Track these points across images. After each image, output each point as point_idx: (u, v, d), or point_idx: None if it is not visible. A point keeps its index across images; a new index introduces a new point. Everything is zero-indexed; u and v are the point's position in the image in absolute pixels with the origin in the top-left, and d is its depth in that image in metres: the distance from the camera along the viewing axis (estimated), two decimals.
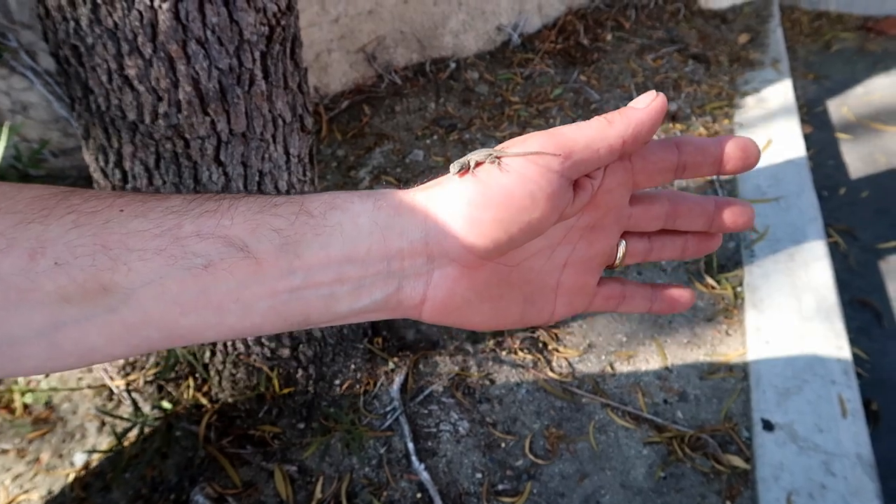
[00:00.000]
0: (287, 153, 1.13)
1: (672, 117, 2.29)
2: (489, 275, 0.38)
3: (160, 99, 0.96)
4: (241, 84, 0.99)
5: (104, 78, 0.95)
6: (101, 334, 0.33)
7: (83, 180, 1.92)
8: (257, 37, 0.97)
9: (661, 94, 0.37)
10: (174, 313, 0.33)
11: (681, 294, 0.45)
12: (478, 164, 0.35)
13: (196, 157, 1.03)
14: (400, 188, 0.37)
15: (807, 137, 2.38)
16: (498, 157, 0.35)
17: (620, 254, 0.43)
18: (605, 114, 0.37)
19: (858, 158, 2.37)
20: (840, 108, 2.65)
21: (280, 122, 1.08)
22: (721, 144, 0.39)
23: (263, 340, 1.29)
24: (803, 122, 2.47)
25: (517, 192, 0.34)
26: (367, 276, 0.35)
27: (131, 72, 0.93)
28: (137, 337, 0.34)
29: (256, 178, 1.10)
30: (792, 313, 1.57)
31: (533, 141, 0.36)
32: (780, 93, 2.46)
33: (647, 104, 0.36)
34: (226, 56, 0.96)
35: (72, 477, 1.27)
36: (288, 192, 1.17)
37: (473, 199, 0.34)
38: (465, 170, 0.35)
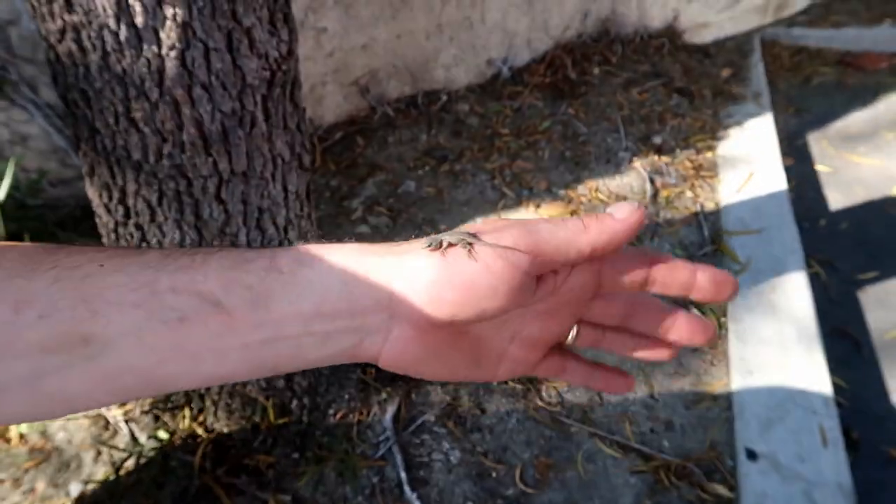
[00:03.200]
0: (285, 190, 1.17)
1: (657, 149, 2.36)
2: (441, 338, 0.39)
3: (165, 140, 1.00)
4: (243, 126, 1.03)
5: (111, 120, 0.98)
6: (82, 382, 0.35)
7: (80, 209, 1.95)
8: (259, 81, 1.01)
9: (641, 209, 0.39)
10: (151, 362, 0.35)
11: (618, 381, 0.46)
12: (450, 245, 0.37)
13: (198, 195, 1.07)
14: (371, 243, 0.39)
15: (787, 169, 2.44)
16: (470, 244, 0.36)
17: (571, 337, 0.45)
18: (583, 216, 0.39)
19: (838, 190, 2.44)
20: (820, 140, 2.73)
21: (279, 160, 1.12)
22: (694, 273, 0.40)
23: None
24: (784, 154, 2.54)
25: (480, 282, 0.36)
26: (333, 330, 0.37)
27: (137, 114, 0.97)
28: (116, 384, 0.35)
29: (256, 215, 1.14)
30: (774, 344, 1.62)
31: (508, 233, 0.37)
32: (762, 126, 2.54)
33: (626, 217, 0.38)
34: (229, 100, 1.00)
35: None
36: (286, 228, 1.20)
37: (438, 278, 0.36)
38: (435, 247, 0.36)
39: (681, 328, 0.43)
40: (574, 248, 0.37)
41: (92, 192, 1.14)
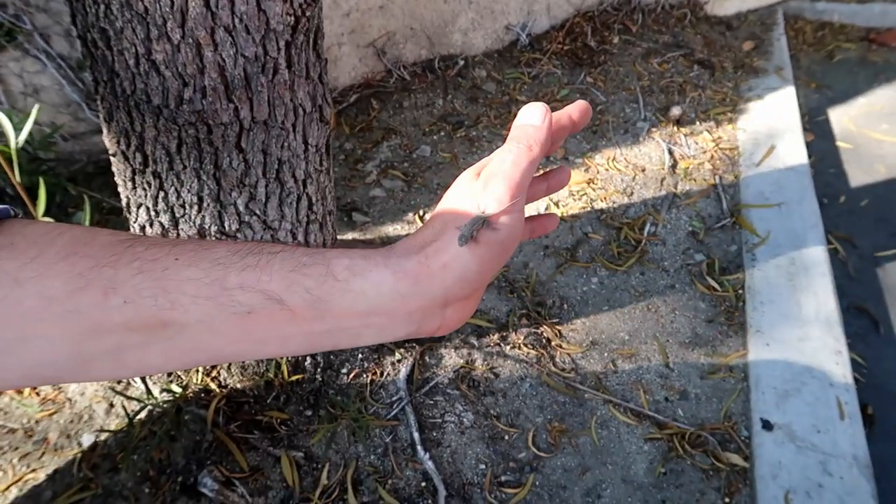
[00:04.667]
0: (306, 142, 1.14)
1: (677, 121, 2.31)
2: (471, 299, 0.45)
3: (186, 84, 0.97)
4: (266, 73, 1.01)
5: (131, 62, 0.96)
6: (159, 356, 0.40)
7: (93, 164, 1.93)
8: (283, 26, 0.98)
9: (544, 108, 0.44)
10: (221, 343, 0.40)
11: (549, 220, 0.52)
12: (476, 231, 0.41)
13: (218, 143, 1.05)
14: (411, 248, 0.42)
15: (808, 145, 2.40)
16: (485, 220, 0.41)
17: None
18: (515, 141, 0.44)
19: (858, 167, 2.40)
20: (841, 117, 2.68)
21: (301, 111, 1.10)
22: (566, 113, 0.48)
23: None
24: (805, 130, 2.50)
25: (510, 242, 0.42)
26: (390, 323, 0.42)
27: (158, 57, 0.94)
28: (188, 358, 0.42)
29: (275, 167, 1.12)
30: (792, 317, 1.60)
31: (497, 185, 0.42)
32: (784, 100, 2.49)
33: (540, 120, 0.44)
34: (252, 44, 0.97)
35: (79, 457, 1.28)
36: (305, 182, 1.18)
37: (482, 264, 0.41)
38: (465, 241, 0.41)
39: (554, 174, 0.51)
40: (531, 170, 0.43)
41: (109, 139, 1.12)
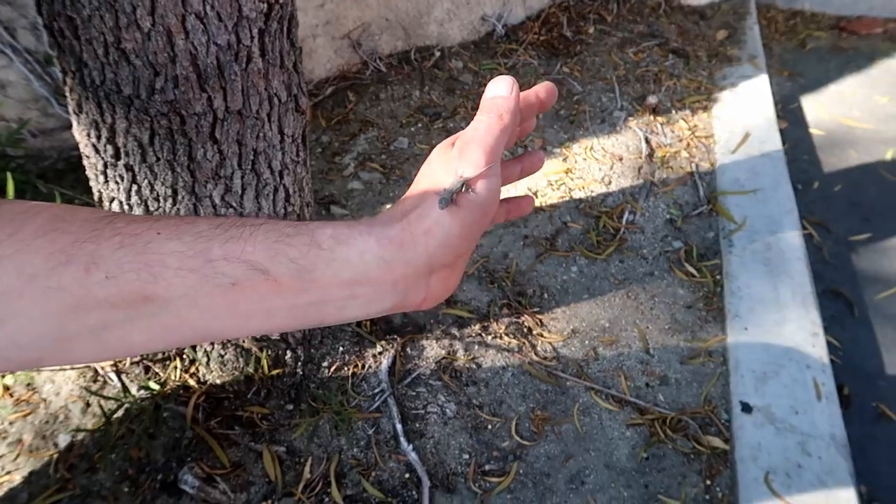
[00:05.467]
0: (281, 132, 1.13)
1: (653, 110, 2.33)
2: (450, 269, 0.45)
3: (157, 74, 0.95)
4: (239, 61, 0.99)
5: (100, 51, 0.94)
6: (143, 333, 0.39)
7: (63, 161, 1.90)
8: (256, 13, 0.97)
9: (510, 80, 0.45)
10: (206, 318, 0.39)
11: (526, 202, 0.54)
12: (456, 195, 0.42)
13: (191, 133, 1.03)
14: (394, 216, 0.42)
15: (782, 133, 2.43)
16: (464, 184, 0.42)
17: None
18: (486, 112, 0.44)
19: (831, 154, 2.43)
20: (814, 104, 2.71)
21: (276, 100, 1.08)
22: (537, 93, 0.50)
23: None
24: (779, 117, 2.52)
25: (489, 205, 0.43)
26: (375, 293, 0.42)
27: (128, 45, 0.92)
28: (173, 336, 0.40)
29: (251, 157, 1.10)
30: (769, 301, 1.61)
31: (472, 152, 0.42)
32: (757, 88, 2.51)
33: (507, 92, 0.45)
34: (224, 32, 0.95)
35: (56, 458, 1.26)
36: (282, 173, 1.17)
37: (462, 227, 0.41)
38: (446, 204, 0.41)
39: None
40: (503, 134, 0.44)
41: (79, 132, 1.09)
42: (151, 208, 1.12)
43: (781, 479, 1.26)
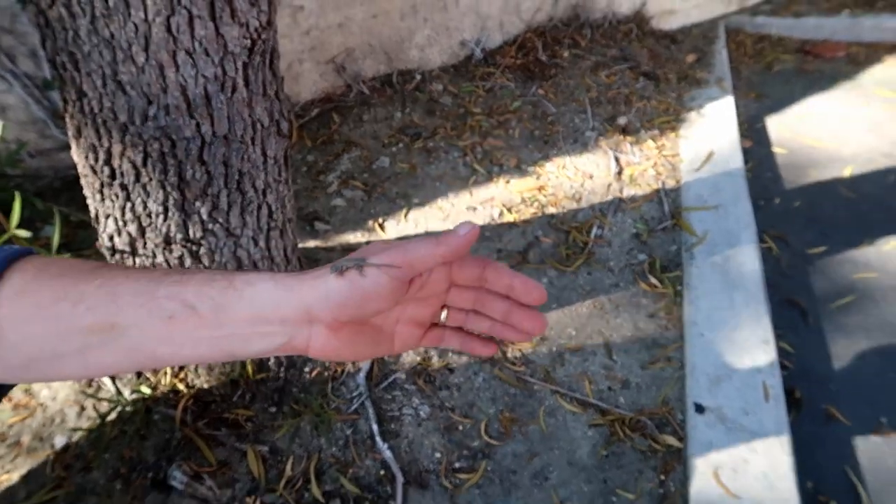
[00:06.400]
0: (265, 154, 1.23)
1: (623, 130, 2.45)
2: (348, 331, 0.54)
3: (150, 103, 1.05)
4: (225, 91, 1.10)
5: (98, 83, 1.04)
6: (111, 355, 0.52)
7: (59, 180, 1.99)
8: (240, 49, 1.08)
9: (476, 228, 0.54)
10: (152, 344, 0.52)
11: (485, 347, 0.63)
12: (347, 268, 0.51)
13: (181, 156, 1.13)
14: (300, 272, 0.53)
15: (746, 151, 2.56)
16: (361, 266, 0.51)
17: (443, 317, 0.62)
18: (437, 236, 0.53)
19: (793, 171, 2.56)
20: (778, 124, 2.85)
21: (259, 126, 1.19)
22: (513, 279, 0.57)
23: None
24: (744, 137, 2.66)
25: (371, 292, 0.51)
26: (269, 331, 0.52)
27: (124, 77, 1.03)
28: (132, 359, 0.53)
29: (236, 177, 1.20)
30: (724, 309, 1.72)
31: (387, 253, 0.52)
32: (723, 109, 2.65)
33: (465, 233, 0.53)
34: (211, 65, 1.06)
35: (52, 458, 1.34)
36: (265, 191, 1.27)
37: (340, 293, 0.51)
38: (338, 272, 0.51)
39: (519, 317, 0.59)
40: (432, 259, 0.53)
41: (78, 155, 1.19)
42: (144, 224, 1.22)
43: (729, 474, 1.36)
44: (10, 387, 0.64)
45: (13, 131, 1.90)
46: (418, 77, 2.57)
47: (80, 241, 1.85)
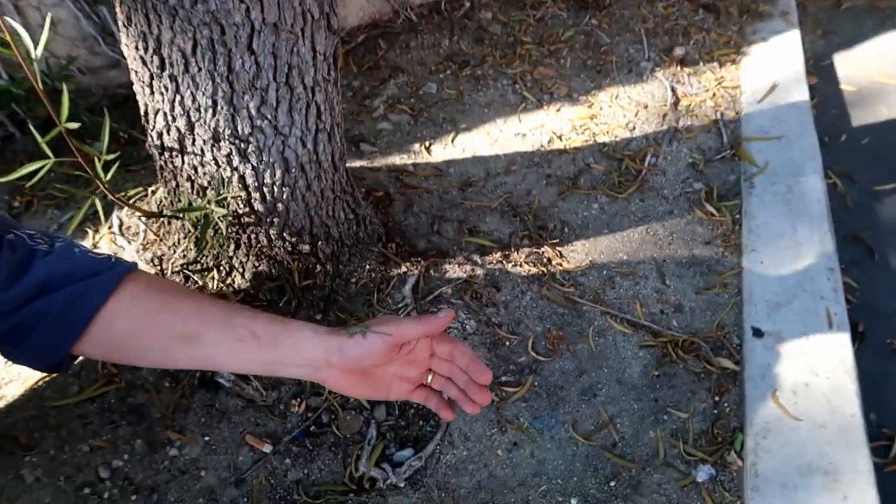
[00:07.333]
0: (314, 49, 1.19)
1: (680, 61, 2.34)
2: (356, 376, 0.79)
3: None
4: None
5: None
6: (186, 357, 0.76)
7: (108, 98, 2.00)
8: None
9: (451, 312, 0.81)
10: (220, 356, 0.76)
11: (448, 412, 0.89)
12: (356, 333, 0.76)
13: (231, 44, 1.10)
14: (327, 328, 0.80)
15: (812, 88, 2.42)
16: (364, 332, 0.76)
17: (429, 379, 0.88)
18: (421, 317, 0.83)
19: (861, 108, 2.42)
20: (846, 62, 2.69)
21: (309, 16, 1.15)
22: (471, 361, 0.87)
23: (285, 234, 1.36)
24: (809, 73, 2.51)
25: (369, 351, 0.76)
26: (302, 364, 0.77)
27: None
28: (200, 362, 0.77)
29: (285, 71, 1.17)
30: (787, 238, 1.64)
31: (385, 325, 0.76)
32: (788, 42, 2.50)
33: (442, 316, 0.80)
34: None
35: None
36: (314, 89, 1.24)
37: (351, 349, 0.75)
38: (350, 335, 0.76)
39: (472, 391, 0.87)
40: (416, 331, 0.78)
41: (128, 46, 1.18)
42: (193, 119, 1.20)
43: (788, 397, 1.31)
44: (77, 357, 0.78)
45: (63, 47, 1.90)
46: (467, 4, 2.49)
47: (128, 158, 1.86)
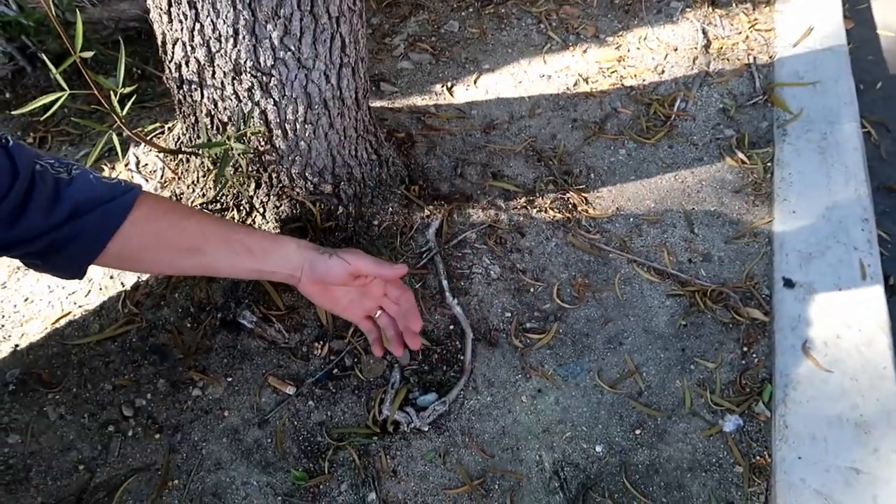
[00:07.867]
0: None
1: (712, 2, 2.24)
2: (318, 287, 0.94)
3: None
4: None
5: None
6: (189, 265, 0.88)
7: (120, 32, 1.93)
8: None
9: (404, 268, 0.96)
10: (219, 265, 0.89)
11: (378, 349, 1.05)
12: (324, 253, 0.91)
13: None
14: (309, 244, 0.95)
15: (848, 33, 2.32)
16: (332, 254, 0.91)
17: (377, 314, 1.04)
18: (380, 260, 0.95)
19: None
20: (885, 6, 2.58)
21: None
22: (412, 308, 1.04)
23: (307, 174, 1.32)
24: (845, 17, 2.40)
25: (330, 270, 0.90)
26: (282, 272, 0.92)
27: None
28: (200, 270, 0.90)
29: None
30: (820, 187, 1.59)
31: (350, 256, 0.91)
32: None
33: (396, 269, 0.95)
34: None
35: (124, 295, 1.34)
36: (338, 20, 1.18)
37: (318, 264, 0.91)
38: (321, 253, 0.91)
39: (407, 335, 1.04)
40: (371, 270, 0.93)
41: None
42: (213, 49, 1.15)
43: (819, 348, 1.28)
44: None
45: None
46: None
47: (143, 94, 1.80)
